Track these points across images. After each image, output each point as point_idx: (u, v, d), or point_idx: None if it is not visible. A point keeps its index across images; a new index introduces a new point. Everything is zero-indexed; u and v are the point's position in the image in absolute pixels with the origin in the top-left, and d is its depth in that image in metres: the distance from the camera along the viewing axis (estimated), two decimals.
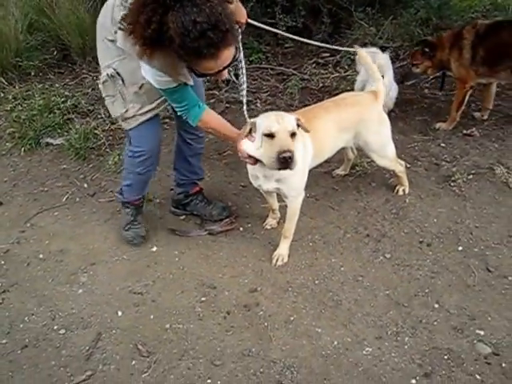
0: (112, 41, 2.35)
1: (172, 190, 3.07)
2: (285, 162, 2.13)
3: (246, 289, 2.46)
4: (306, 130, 2.32)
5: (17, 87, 4.46)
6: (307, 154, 2.49)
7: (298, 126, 2.28)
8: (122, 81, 2.43)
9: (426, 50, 3.47)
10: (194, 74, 2.15)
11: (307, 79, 4.20)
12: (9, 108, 4.17)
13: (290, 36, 3.24)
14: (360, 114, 2.65)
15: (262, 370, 2.07)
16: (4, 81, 4.49)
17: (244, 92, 2.56)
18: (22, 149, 3.73)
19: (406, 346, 2.11)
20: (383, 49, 3.40)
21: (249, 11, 3.91)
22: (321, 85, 4.15)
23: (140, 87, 2.44)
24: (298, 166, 2.28)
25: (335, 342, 2.15)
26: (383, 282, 2.42)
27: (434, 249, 2.58)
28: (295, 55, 4.51)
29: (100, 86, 2.54)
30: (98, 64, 4.38)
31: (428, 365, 2.02)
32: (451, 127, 3.48)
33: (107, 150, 3.62)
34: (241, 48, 2.44)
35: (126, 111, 2.48)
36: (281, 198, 2.64)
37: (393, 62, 3.30)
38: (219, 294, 2.44)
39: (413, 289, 2.37)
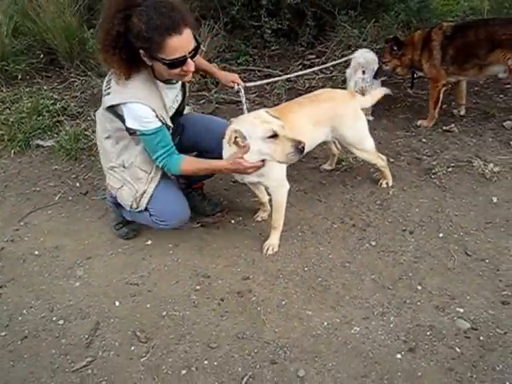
0: (108, 137, 2.67)
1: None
2: (303, 150, 2.37)
3: (239, 277, 2.65)
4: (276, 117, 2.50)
5: (4, 91, 4.62)
6: None
7: None
8: (123, 166, 2.68)
9: (395, 48, 3.68)
10: (163, 79, 2.47)
11: (294, 80, 4.42)
12: None
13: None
14: (334, 110, 2.87)
15: (256, 350, 2.25)
16: None
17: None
18: (12, 151, 3.90)
19: (391, 325, 2.31)
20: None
21: (235, 14, 4.21)
22: (307, 85, 4.39)
23: (135, 158, 2.66)
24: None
25: (325, 323, 2.34)
26: (369, 268, 2.63)
27: (416, 236, 2.80)
28: (281, 57, 4.73)
29: (108, 186, 2.80)
30: (86, 68, 4.63)
31: (412, 341, 2.22)
32: (431, 124, 3.73)
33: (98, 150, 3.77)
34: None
35: (137, 192, 2.68)
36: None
37: None
38: (213, 283, 2.63)
39: (397, 273, 2.58)
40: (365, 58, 3.71)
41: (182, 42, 2.25)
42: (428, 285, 2.50)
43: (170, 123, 2.55)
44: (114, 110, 2.52)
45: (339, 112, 2.88)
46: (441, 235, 2.79)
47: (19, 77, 4.74)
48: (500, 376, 2.04)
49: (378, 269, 2.62)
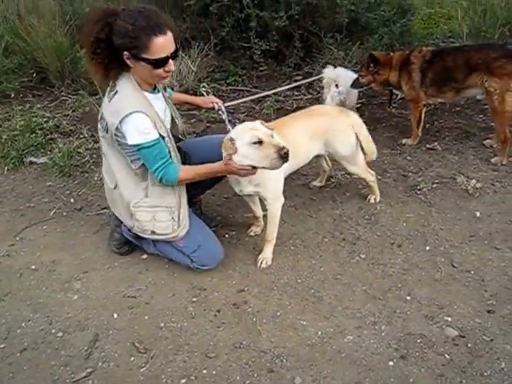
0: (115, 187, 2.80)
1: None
2: (286, 156, 2.46)
3: (234, 289, 2.73)
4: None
5: None
6: None
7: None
8: (146, 196, 2.75)
9: (371, 65, 3.86)
10: (144, 84, 2.60)
11: (282, 100, 4.59)
12: None
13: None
14: (328, 124, 3.03)
15: (253, 359, 2.34)
16: None
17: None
18: (6, 168, 3.95)
19: (383, 334, 2.42)
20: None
21: (224, 36, 4.36)
22: (295, 106, 4.54)
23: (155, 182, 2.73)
24: (270, 172, 2.63)
25: (319, 333, 2.44)
26: (360, 279, 2.74)
27: (404, 249, 2.94)
28: (269, 78, 4.90)
29: (136, 228, 2.82)
30: (77, 87, 4.72)
31: (403, 348, 2.34)
32: (415, 142, 3.90)
33: (92, 167, 3.89)
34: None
35: (171, 208, 2.74)
36: (264, 207, 2.94)
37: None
38: (209, 295, 2.71)
39: (387, 284, 2.70)
40: (335, 72, 3.90)
41: (166, 42, 2.44)
42: (417, 295, 2.62)
43: (165, 133, 2.63)
44: (119, 141, 2.61)
45: (333, 126, 3.04)
46: (428, 248, 2.93)
47: (12, 95, 4.80)
48: (488, 381, 2.17)
49: (368, 280, 2.74)
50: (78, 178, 3.81)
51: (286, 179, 2.91)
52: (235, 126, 2.83)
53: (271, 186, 2.80)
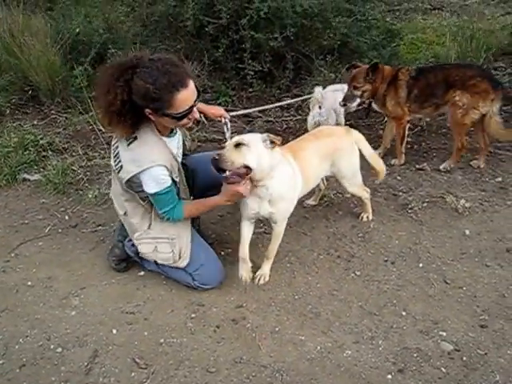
0: (125, 214, 2.87)
1: None
2: (214, 160, 2.56)
3: (233, 305, 2.79)
4: (274, 142, 2.68)
5: None
6: (296, 183, 2.90)
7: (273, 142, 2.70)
8: (149, 228, 2.85)
9: (370, 75, 3.89)
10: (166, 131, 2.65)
11: (272, 121, 4.71)
12: None
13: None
14: (335, 144, 3.11)
15: (254, 374, 2.39)
16: None
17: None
18: None
19: (380, 348, 2.50)
20: None
21: (218, 56, 4.47)
22: (285, 126, 4.68)
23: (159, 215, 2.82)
24: (288, 194, 2.78)
25: (318, 348, 2.51)
26: (356, 296, 2.83)
27: (397, 266, 3.03)
28: (259, 99, 5.00)
29: (140, 251, 2.90)
30: (67, 105, 4.77)
31: (401, 362, 2.42)
32: (403, 161, 4.04)
33: (86, 184, 3.92)
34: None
35: (172, 239, 2.82)
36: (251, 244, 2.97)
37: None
38: (208, 311, 2.76)
39: (382, 300, 2.79)
40: (322, 94, 4.01)
41: (189, 95, 2.44)
42: (412, 311, 2.71)
43: (177, 171, 2.71)
44: (132, 184, 2.68)
45: (339, 146, 3.12)
46: (420, 265, 3.03)
47: (8, 111, 4.85)
48: None
49: (364, 296, 2.82)
50: (73, 196, 3.84)
51: None
52: None
53: (284, 206, 2.86)
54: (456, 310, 2.71)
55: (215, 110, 3.18)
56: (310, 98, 4.15)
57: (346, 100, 3.94)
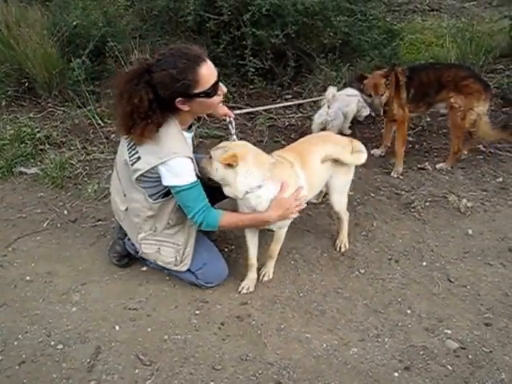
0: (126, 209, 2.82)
1: None
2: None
3: (237, 302, 2.79)
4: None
5: None
6: (297, 178, 2.78)
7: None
8: (154, 231, 2.79)
9: (388, 81, 3.76)
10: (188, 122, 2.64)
11: (274, 118, 4.70)
12: None
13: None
14: (339, 151, 2.97)
15: (260, 371, 2.40)
16: None
17: None
18: None
19: (386, 346, 2.52)
20: None
21: (219, 53, 4.46)
22: (287, 123, 4.67)
23: (168, 219, 2.77)
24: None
25: (324, 345, 2.53)
26: (360, 293, 2.85)
27: (401, 264, 3.06)
28: (260, 96, 5.00)
29: (142, 251, 2.86)
30: (64, 98, 4.73)
31: (407, 360, 2.44)
32: (401, 169, 3.94)
33: (85, 179, 3.88)
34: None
35: (178, 245, 2.78)
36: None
37: None
38: (212, 307, 2.76)
39: (387, 298, 2.81)
40: (334, 94, 4.08)
41: (211, 68, 2.46)
42: (417, 309, 2.74)
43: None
44: (146, 177, 2.61)
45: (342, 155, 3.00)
46: (424, 264, 3.06)
47: (3, 104, 4.79)
48: None
49: (368, 294, 2.84)
50: (71, 190, 3.80)
51: None
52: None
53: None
54: (460, 308, 2.74)
55: (220, 108, 3.12)
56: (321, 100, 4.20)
57: (376, 110, 3.82)
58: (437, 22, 6.88)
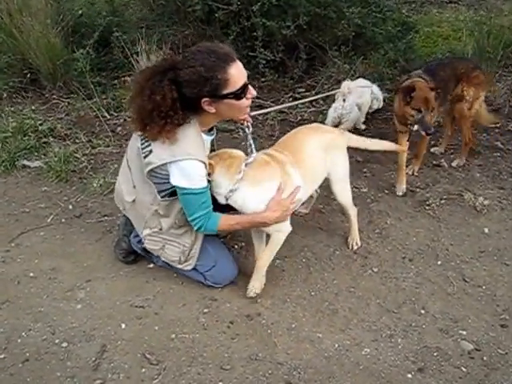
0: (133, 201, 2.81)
1: None
2: None
3: (247, 301, 2.81)
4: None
5: None
6: (289, 178, 2.75)
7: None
8: (160, 229, 2.80)
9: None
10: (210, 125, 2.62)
11: (285, 112, 4.71)
12: None
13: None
14: (334, 141, 2.99)
15: (270, 371, 2.41)
16: None
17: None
18: None
19: (399, 347, 2.54)
20: None
21: (229, 43, 4.47)
22: (299, 118, 4.68)
23: (175, 219, 2.76)
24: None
25: (336, 345, 2.55)
26: (373, 293, 2.86)
27: (415, 263, 3.07)
28: (271, 89, 5.01)
29: (146, 244, 2.89)
30: (69, 90, 4.73)
31: (421, 361, 2.46)
32: (417, 168, 3.93)
33: (90, 173, 3.91)
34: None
35: (184, 246, 2.79)
36: None
37: None
38: (221, 306, 2.78)
39: (400, 298, 2.83)
40: (349, 87, 4.11)
41: (240, 68, 2.44)
42: (431, 309, 2.76)
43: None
44: (156, 173, 2.60)
45: (338, 143, 3.01)
46: (439, 263, 3.08)
47: (4, 95, 4.82)
48: None
49: (382, 294, 2.86)
50: (76, 184, 3.82)
51: None
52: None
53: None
54: (476, 308, 2.76)
55: None
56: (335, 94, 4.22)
57: (428, 127, 3.45)
58: (454, 14, 6.86)
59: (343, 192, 3.10)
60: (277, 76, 4.93)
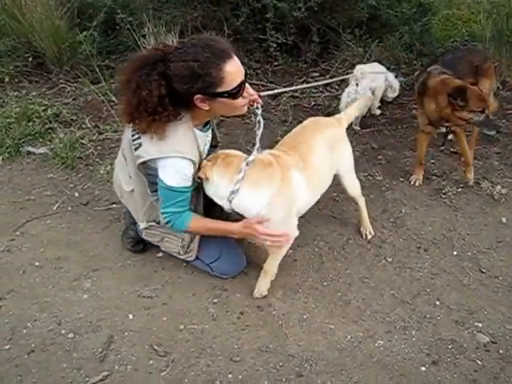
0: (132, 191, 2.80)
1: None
2: None
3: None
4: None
5: None
6: (293, 198, 2.66)
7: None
8: (158, 222, 2.79)
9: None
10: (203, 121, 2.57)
11: (299, 97, 4.69)
12: None
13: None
14: (337, 134, 2.96)
15: (281, 363, 2.43)
16: None
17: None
18: (1, 157, 3.94)
19: (413, 339, 2.55)
20: None
21: (239, 26, 4.45)
22: (313, 103, 4.66)
23: None
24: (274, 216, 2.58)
25: (348, 337, 2.56)
26: (387, 283, 2.87)
27: (431, 253, 3.07)
28: (285, 73, 4.98)
29: (144, 236, 2.92)
30: (76, 74, 4.72)
31: (435, 354, 2.47)
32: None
33: (97, 159, 3.92)
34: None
35: (183, 240, 2.80)
36: None
37: None
38: (231, 296, 2.79)
39: (415, 288, 2.83)
40: (362, 71, 4.07)
41: (237, 65, 2.33)
42: (446, 300, 2.76)
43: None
44: (146, 165, 2.58)
45: (342, 136, 2.99)
46: (455, 253, 3.08)
47: (6, 80, 4.80)
48: None
49: (396, 284, 2.87)
50: (82, 171, 3.83)
51: None
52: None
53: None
54: (492, 300, 2.76)
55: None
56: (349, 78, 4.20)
57: (495, 127, 3.43)
58: None
59: (353, 182, 3.09)
60: (290, 60, 4.91)
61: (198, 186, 2.64)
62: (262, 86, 4.61)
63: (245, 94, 2.45)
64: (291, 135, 2.93)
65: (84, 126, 4.27)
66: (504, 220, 3.31)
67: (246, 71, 2.42)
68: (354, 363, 2.43)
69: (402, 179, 3.69)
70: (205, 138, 2.68)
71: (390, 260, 3.03)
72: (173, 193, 2.51)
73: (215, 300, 2.76)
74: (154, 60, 2.33)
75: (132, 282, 2.88)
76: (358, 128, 4.23)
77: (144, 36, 4.47)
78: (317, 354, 2.47)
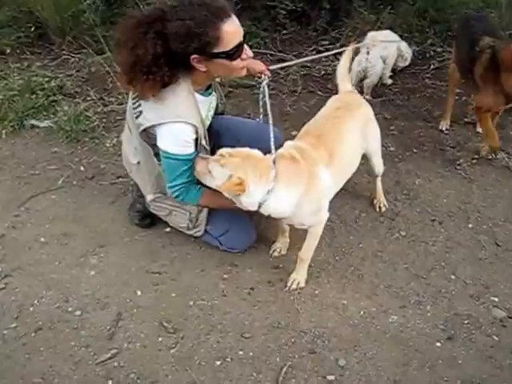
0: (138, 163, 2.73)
1: None
2: None
3: (268, 266, 2.79)
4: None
5: None
6: (321, 189, 2.53)
7: None
8: (164, 194, 2.72)
9: None
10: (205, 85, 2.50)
11: (308, 66, 4.58)
12: None
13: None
14: (366, 115, 2.85)
15: (293, 340, 2.40)
16: None
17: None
18: (3, 131, 3.86)
19: (428, 314, 2.51)
20: None
21: None
22: (323, 72, 4.56)
23: None
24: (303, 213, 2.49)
25: (361, 312, 2.52)
26: (401, 257, 2.83)
27: (445, 226, 3.03)
28: (294, 42, 4.87)
29: (152, 210, 2.87)
30: (80, 45, 4.63)
31: (450, 329, 2.43)
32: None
33: (102, 132, 3.85)
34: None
35: (190, 213, 2.74)
36: None
37: None
38: (241, 272, 2.75)
39: (429, 262, 2.79)
40: (374, 38, 3.98)
41: (235, 26, 2.26)
42: (461, 274, 2.72)
43: (204, 141, 2.53)
44: (146, 131, 2.52)
45: (370, 116, 2.89)
46: (470, 226, 3.03)
47: (7, 51, 4.69)
48: None
49: (410, 258, 2.82)
50: (88, 145, 3.76)
51: None
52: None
53: (305, 218, 2.59)
54: (508, 274, 2.73)
55: (255, 64, 2.93)
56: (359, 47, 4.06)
57: None
58: None
59: (379, 162, 3.02)
60: (299, 28, 4.80)
61: None
62: (271, 55, 4.51)
63: (243, 55, 2.35)
64: (318, 120, 2.75)
65: (89, 98, 4.20)
66: None
67: (245, 32, 2.33)
68: (367, 339, 2.39)
69: (415, 150, 3.63)
70: (207, 103, 2.62)
71: (403, 233, 2.98)
72: (177, 162, 2.46)
73: (225, 276, 2.72)
74: (151, 18, 2.27)
75: (139, 257, 2.84)
76: (369, 97, 4.13)
77: (149, 4, 4.34)
78: (329, 330, 2.43)
